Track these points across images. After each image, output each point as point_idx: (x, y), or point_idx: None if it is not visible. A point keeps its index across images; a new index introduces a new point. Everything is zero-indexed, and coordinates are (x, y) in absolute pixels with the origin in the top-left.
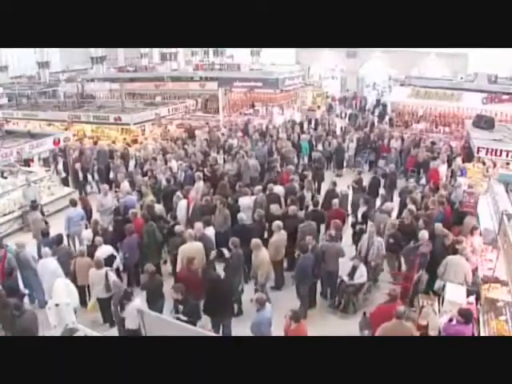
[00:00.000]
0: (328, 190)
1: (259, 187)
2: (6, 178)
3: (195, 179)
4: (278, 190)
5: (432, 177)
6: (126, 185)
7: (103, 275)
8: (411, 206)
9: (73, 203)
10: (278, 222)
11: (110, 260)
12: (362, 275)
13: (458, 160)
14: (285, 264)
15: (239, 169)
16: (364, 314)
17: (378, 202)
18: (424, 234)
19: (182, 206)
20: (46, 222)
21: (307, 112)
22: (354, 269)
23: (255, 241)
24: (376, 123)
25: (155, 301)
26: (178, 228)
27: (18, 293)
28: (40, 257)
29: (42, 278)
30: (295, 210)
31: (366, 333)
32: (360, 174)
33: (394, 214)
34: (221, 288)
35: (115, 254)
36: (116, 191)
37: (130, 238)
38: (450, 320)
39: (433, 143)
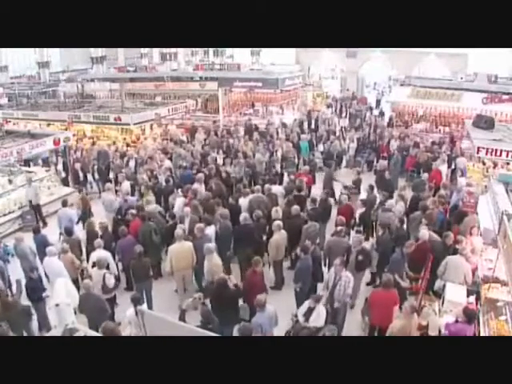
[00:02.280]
0: (321, 199)
1: (258, 187)
2: (11, 181)
3: (196, 179)
4: (277, 190)
5: (434, 177)
6: (126, 185)
7: (101, 276)
8: (396, 211)
9: (63, 203)
10: (278, 222)
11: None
12: (318, 317)
13: (459, 160)
14: (287, 263)
15: (238, 170)
16: (366, 299)
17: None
18: (424, 234)
19: (179, 203)
20: (45, 223)
21: (309, 112)
22: (310, 310)
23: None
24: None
25: (141, 281)
26: (177, 230)
27: (40, 293)
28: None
29: (49, 275)
30: (298, 210)
31: (367, 319)
32: (359, 175)
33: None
34: (227, 292)
35: (110, 260)
36: (116, 191)
37: (124, 240)
38: (456, 321)
39: (433, 143)
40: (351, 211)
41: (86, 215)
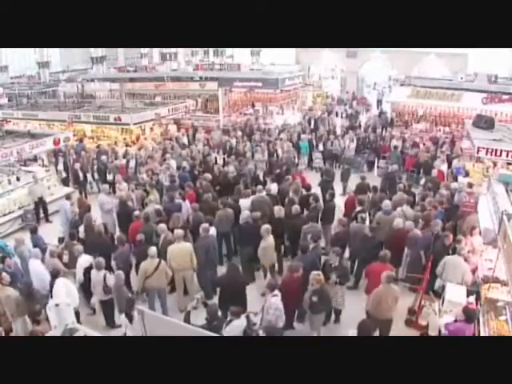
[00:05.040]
0: (326, 201)
1: (260, 187)
2: (10, 181)
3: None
4: (274, 190)
5: (437, 177)
6: (125, 185)
7: (101, 277)
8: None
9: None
10: (266, 226)
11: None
12: (230, 332)
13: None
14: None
15: (239, 170)
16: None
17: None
18: (398, 223)
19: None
20: (49, 221)
21: (308, 112)
22: (230, 321)
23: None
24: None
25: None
26: (177, 231)
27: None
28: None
29: (33, 277)
30: (298, 210)
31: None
32: (364, 180)
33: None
34: (237, 282)
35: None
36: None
37: (123, 248)
38: (455, 321)
39: (434, 143)
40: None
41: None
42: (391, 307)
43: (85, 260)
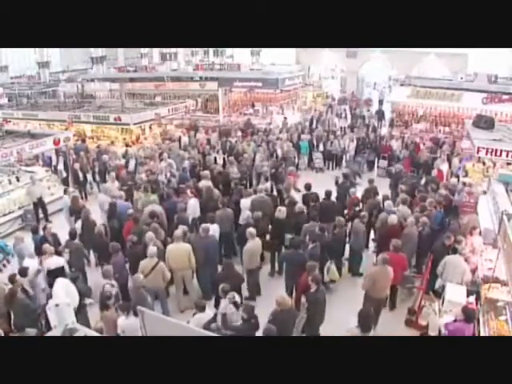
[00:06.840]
0: (323, 200)
1: (261, 186)
2: (10, 181)
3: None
4: (268, 189)
5: (437, 177)
6: (116, 184)
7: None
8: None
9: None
10: (251, 230)
11: (58, 272)
12: None
13: (456, 160)
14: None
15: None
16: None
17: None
18: (393, 219)
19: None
20: (48, 220)
21: (308, 112)
22: (194, 315)
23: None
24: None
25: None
26: (177, 231)
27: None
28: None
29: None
30: (302, 208)
31: None
32: (372, 183)
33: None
34: (233, 279)
35: (66, 266)
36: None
37: (117, 256)
38: (455, 321)
39: (435, 143)
40: (357, 202)
41: (77, 214)
42: (385, 287)
43: (54, 262)
